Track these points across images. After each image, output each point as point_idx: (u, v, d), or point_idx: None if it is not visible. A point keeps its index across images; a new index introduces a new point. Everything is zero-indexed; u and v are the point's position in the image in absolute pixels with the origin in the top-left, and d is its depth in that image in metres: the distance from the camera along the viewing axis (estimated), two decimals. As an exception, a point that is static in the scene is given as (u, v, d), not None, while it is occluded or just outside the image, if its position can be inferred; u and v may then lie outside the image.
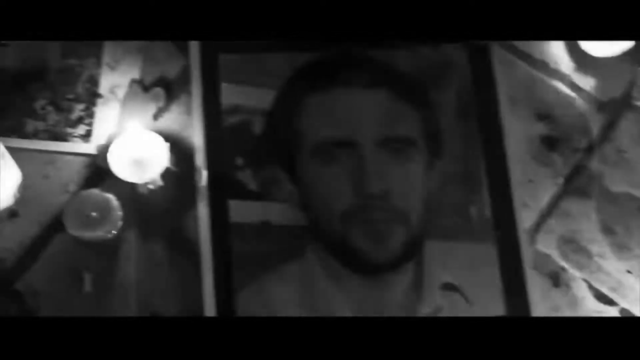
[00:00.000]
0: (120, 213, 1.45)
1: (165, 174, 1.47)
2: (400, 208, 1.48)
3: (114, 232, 1.44)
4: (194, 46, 1.55)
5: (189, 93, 1.54)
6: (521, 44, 1.59)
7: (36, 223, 1.46)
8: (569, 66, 1.59)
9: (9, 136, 1.50)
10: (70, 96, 1.53)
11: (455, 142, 1.55)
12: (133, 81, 1.54)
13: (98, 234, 1.44)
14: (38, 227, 1.47)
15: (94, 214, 1.44)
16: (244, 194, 1.50)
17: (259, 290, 1.45)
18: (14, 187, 1.41)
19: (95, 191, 1.45)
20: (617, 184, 1.53)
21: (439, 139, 1.54)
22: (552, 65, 1.59)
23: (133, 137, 1.48)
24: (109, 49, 1.55)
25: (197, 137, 1.51)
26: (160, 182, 1.47)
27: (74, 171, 1.50)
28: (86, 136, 1.51)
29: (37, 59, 1.54)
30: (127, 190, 1.47)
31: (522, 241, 1.51)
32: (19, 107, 1.52)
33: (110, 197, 1.45)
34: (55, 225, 1.46)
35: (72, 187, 1.49)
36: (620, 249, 1.49)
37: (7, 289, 1.43)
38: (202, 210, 1.48)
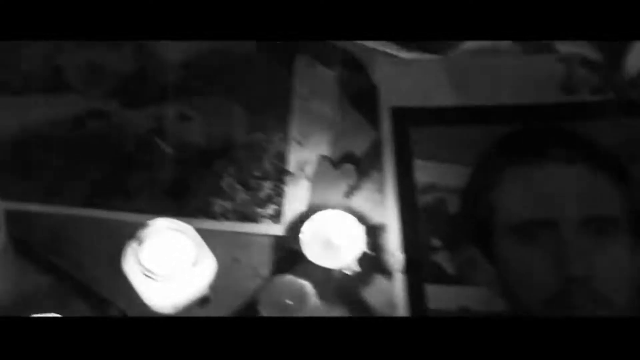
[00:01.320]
0: (316, 300, 1.38)
1: (361, 258, 1.39)
2: (604, 293, 1.40)
3: (310, 320, 1.37)
4: (386, 119, 1.47)
5: (379, 169, 1.46)
6: None
7: (228, 309, 1.41)
8: None
9: (196, 217, 1.43)
10: (258, 173, 1.46)
11: (659, 220, 1.46)
12: (322, 157, 1.47)
13: (293, 323, 1.36)
14: (230, 314, 1.40)
15: (289, 301, 1.37)
16: (441, 278, 1.43)
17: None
18: (210, 277, 1.35)
19: (290, 277, 1.39)
20: None
21: (642, 217, 1.45)
22: None
23: (326, 218, 1.41)
24: (297, 122, 1.48)
25: (391, 218, 1.44)
26: (356, 267, 1.39)
27: (265, 254, 1.44)
28: (276, 216, 1.44)
29: (222, 134, 1.48)
30: (321, 276, 1.40)
31: None
32: (206, 186, 1.45)
33: (306, 283, 1.38)
34: (247, 311, 1.39)
35: (263, 271, 1.42)
36: None
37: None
38: (399, 296, 1.40)
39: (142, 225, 1.38)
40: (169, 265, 1.31)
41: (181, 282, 1.31)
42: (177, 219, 1.41)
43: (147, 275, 1.30)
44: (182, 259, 1.31)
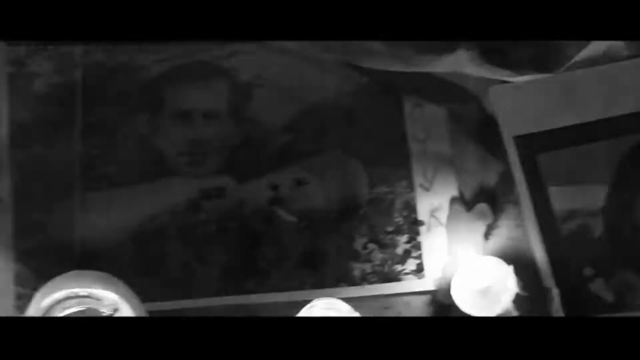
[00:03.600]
0: (481, 354, 1.31)
1: (516, 301, 1.32)
2: None
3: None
4: (511, 149, 1.40)
5: (514, 203, 1.39)
6: None
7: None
8: None
9: (337, 286, 1.36)
10: (390, 229, 1.38)
11: None
12: (453, 200, 1.39)
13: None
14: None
15: None
16: (601, 308, 1.36)
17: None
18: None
19: (451, 335, 1.31)
20: None
21: None
22: None
23: (471, 264, 1.34)
24: (418, 167, 1.40)
25: (537, 252, 1.37)
26: (514, 311, 1.33)
27: (416, 313, 1.37)
28: (418, 271, 1.37)
29: (344, 194, 1.41)
30: (479, 326, 1.32)
31: None
32: (339, 251, 1.38)
33: (468, 339, 1.31)
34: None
35: (418, 331, 1.34)
36: None
37: None
38: (563, 334, 1.34)
39: (282, 305, 1.31)
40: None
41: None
42: (317, 291, 1.34)
43: (311, 362, 1.22)
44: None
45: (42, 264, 1.37)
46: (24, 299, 1.35)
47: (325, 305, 1.24)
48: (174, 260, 1.36)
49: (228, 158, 1.40)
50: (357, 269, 1.37)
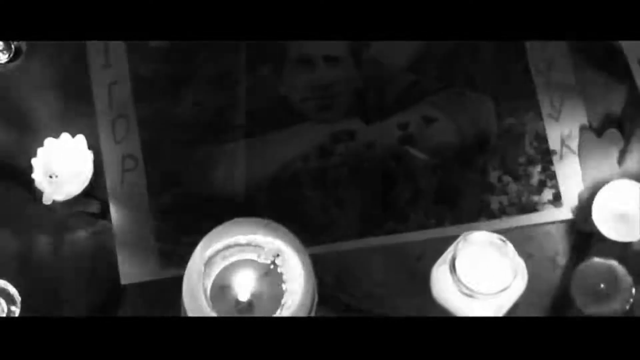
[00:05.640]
0: (628, 279, 1.32)
1: (657, 222, 1.33)
2: None
3: (626, 306, 1.31)
4: (637, 73, 1.40)
5: (644, 126, 1.39)
6: None
7: (540, 308, 1.33)
8: None
9: (477, 220, 1.38)
10: (522, 160, 1.38)
11: None
12: (582, 127, 1.39)
13: (611, 308, 1.31)
14: (544, 312, 1.33)
15: (602, 286, 1.31)
16: None
17: None
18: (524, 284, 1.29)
19: (597, 260, 1.32)
20: None
21: None
22: None
23: (609, 190, 1.35)
24: (544, 98, 1.40)
25: (673, 174, 1.37)
26: (656, 234, 1.33)
27: (557, 242, 1.37)
28: (555, 200, 1.37)
29: (473, 128, 1.42)
30: (623, 251, 1.33)
31: None
32: (474, 185, 1.39)
33: (615, 264, 1.32)
34: (563, 305, 1.33)
35: (562, 261, 1.35)
36: None
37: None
38: None
39: (424, 243, 1.35)
40: (489, 282, 1.23)
41: (500, 298, 1.24)
42: (457, 227, 1.34)
43: (467, 295, 1.23)
44: (501, 274, 1.23)
45: (181, 218, 1.36)
46: (167, 256, 1.34)
47: (480, 237, 1.24)
48: (311, 206, 1.36)
49: (354, 101, 1.39)
50: (494, 201, 1.36)
